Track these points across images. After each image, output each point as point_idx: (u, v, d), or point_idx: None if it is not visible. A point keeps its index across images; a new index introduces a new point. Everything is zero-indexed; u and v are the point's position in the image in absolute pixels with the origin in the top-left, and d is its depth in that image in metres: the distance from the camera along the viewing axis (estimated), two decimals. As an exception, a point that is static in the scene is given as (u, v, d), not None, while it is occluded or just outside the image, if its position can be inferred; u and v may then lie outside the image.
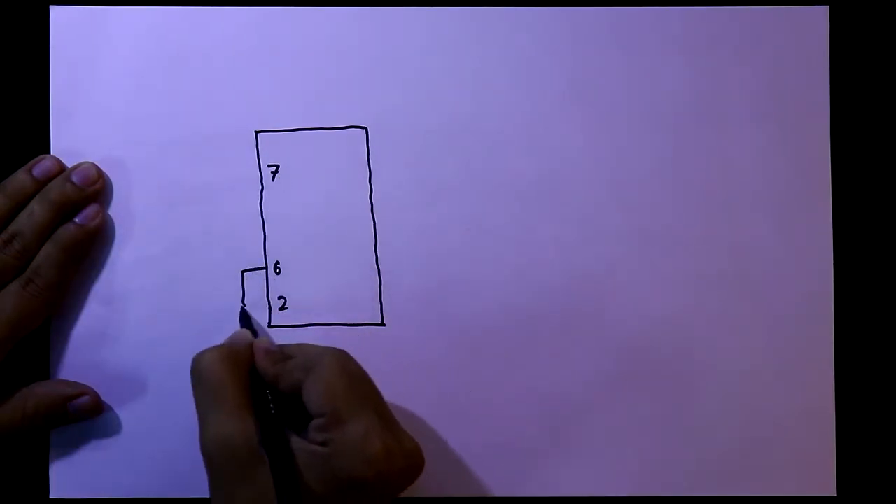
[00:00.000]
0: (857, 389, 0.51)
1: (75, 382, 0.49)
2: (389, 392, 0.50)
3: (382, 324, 0.51)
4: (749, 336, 0.51)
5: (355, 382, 0.44)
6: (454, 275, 0.51)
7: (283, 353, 0.46)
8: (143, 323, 0.50)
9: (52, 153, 0.50)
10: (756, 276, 0.51)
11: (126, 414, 0.50)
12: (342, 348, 0.45)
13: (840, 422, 0.51)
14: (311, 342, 0.47)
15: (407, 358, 0.51)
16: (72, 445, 0.50)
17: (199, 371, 0.44)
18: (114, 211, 0.50)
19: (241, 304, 0.50)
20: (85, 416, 0.49)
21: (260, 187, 0.51)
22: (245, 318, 0.50)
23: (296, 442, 0.42)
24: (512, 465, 0.51)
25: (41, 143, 0.50)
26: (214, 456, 0.42)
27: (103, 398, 0.50)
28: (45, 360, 0.50)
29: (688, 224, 0.51)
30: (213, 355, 0.44)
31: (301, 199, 0.51)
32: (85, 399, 0.49)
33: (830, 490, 0.51)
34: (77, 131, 0.50)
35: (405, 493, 0.44)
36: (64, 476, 0.50)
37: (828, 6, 0.51)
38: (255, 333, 0.48)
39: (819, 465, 0.51)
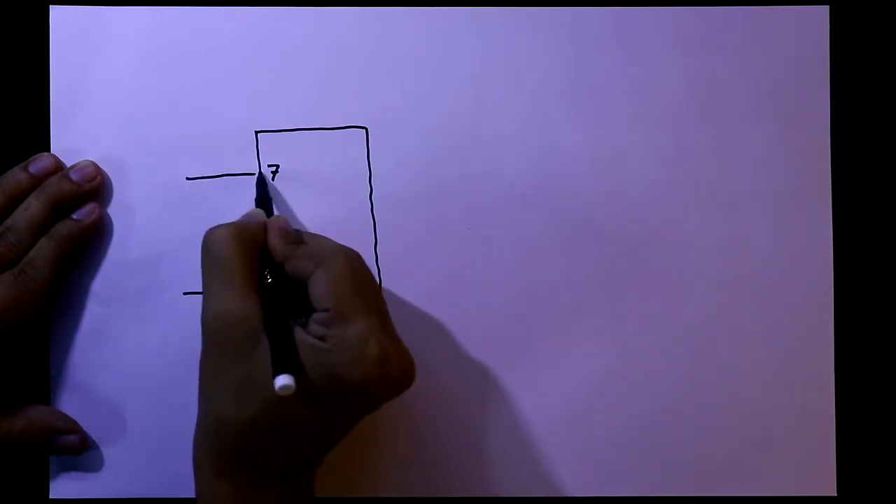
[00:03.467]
0: (857, 389, 0.51)
1: (68, 418, 0.50)
2: (389, 392, 0.50)
3: (382, 324, 0.51)
4: (749, 336, 0.51)
5: (363, 285, 0.43)
6: (454, 275, 0.51)
7: (298, 236, 0.45)
8: (143, 323, 0.50)
9: (51, 153, 0.50)
10: (756, 276, 0.51)
11: (126, 414, 0.50)
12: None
13: (840, 422, 0.51)
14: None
15: (407, 358, 0.51)
16: (72, 445, 0.50)
17: (209, 246, 0.43)
18: (113, 210, 0.50)
19: (258, 170, 0.50)
20: (67, 453, 0.49)
21: (260, 187, 0.51)
22: (262, 184, 0.49)
23: (296, 332, 0.42)
24: (512, 465, 0.51)
25: (41, 142, 0.50)
26: (213, 330, 0.42)
27: (103, 398, 0.50)
28: (46, 360, 0.50)
29: (688, 224, 0.51)
30: (225, 232, 0.43)
31: (301, 199, 0.51)
32: (73, 438, 0.49)
33: (830, 490, 0.51)
34: (77, 131, 0.50)
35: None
36: (64, 476, 0.50)
37: (828, 6, 0.51)
38: (269, 210, 0.48)
39: (819, 465, 0.51)
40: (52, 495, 0.50)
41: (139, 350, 0.50)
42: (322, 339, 0.41)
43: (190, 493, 0.49)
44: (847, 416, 0.51)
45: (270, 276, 0.43)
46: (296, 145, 0.51)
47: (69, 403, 0.50)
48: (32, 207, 0.48)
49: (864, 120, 0.52)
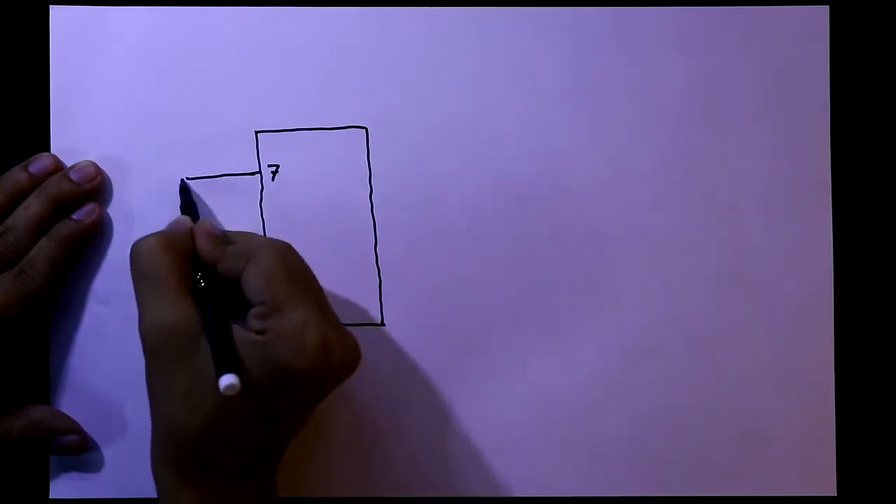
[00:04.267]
0: (857, 389, 0.51)
1: (68, 418, 0.50)
2: (390, 392, 0.50)
3: (382, 324, 0.51)
4: (749, 336, 0.51)
5: (296, 273, 0.43)
6: (454, 275, 0.51)
7: (225, 237, 0.45)
8: (143, 323, 0.50)
9: (51, 153, 0.50)
10: (756, 276, 0.51)
11: (126, 414, 0.50)
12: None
13: (840, 422, 0.51)
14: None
15: (407, 358, 0.51)
16: (72, 445, 0.50)
17: (138, 258, 0.43)
18: (113, 211, 0.50)
19: (182, 178, 0.50)
20: (67, 453, 0.49)
21: (260, 187, 0.51)
22: (185, 192, 0.49)
23: (235, 330, 0.42)
24: (512, 465, 0.51)
25: (41, 142, 0.50)
26: (153, 342, 0.42)
27: (103, 398, 0.50)
28: (46, 360, 0.50)
29: (688, 224, 0.51)
30: (153, 242, 0.43)
31: (301, 199, 0.51)
32: (72, 437, 0.49)
33: (830, 490, 0.51)
34: (77, 131, 0.50)
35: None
36: (64, 476, 0.50)
37: (828, 6, 0.51)
38: (195, 216, 0.48)
39: (819, 465, 0.51)
40: (52, 495, 0.50)
41: (139, 350, 0.50)
42: (261, 332, 0.41)
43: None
44: (847, 416, 0.51)
45: (203, 280, 0.43)
46: (296, 145, 0.51)
47: (69, 403, 0.50)
48: (32, 207, 0.48)
49: (864, 120, 0.52)
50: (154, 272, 0.43)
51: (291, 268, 0.43)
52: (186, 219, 0.46)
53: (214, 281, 0.44)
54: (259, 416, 0.42)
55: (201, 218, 0.48)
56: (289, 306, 0.41)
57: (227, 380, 0.40)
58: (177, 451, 0.43)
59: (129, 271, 0.50)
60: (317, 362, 0.41)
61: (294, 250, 0.44)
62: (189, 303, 0.42)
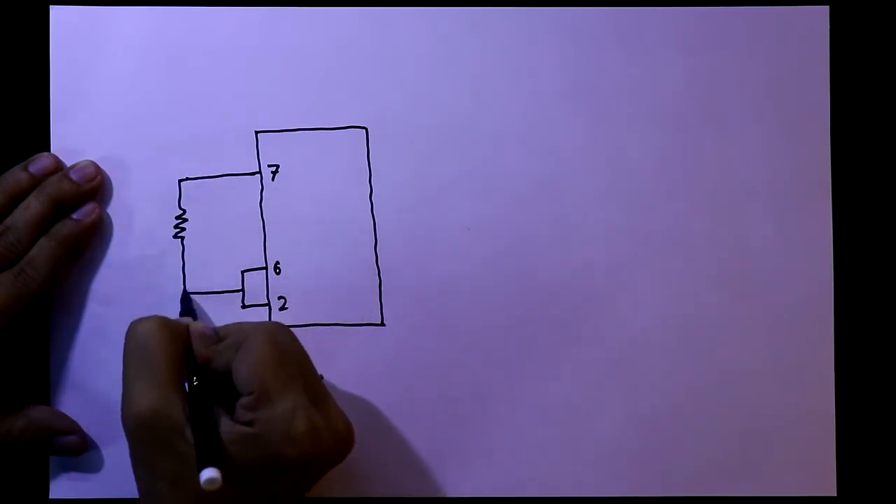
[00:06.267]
0: (857, 389, 0.51)
1: (68, 418, 0.49)
2: (389, 392, 0.50)
3: (382, 324, 0.51)
4: (749, 336, 0.51)
5: (285, 358, 0.43)
6: (454, 275, 0.51)
7: (217, 336, 0.45)
8: (143, 323, 0.50)
9: (51, 153, 0.50)
10: (756, 276, 0.51)
11: (126, 414, 0.50)
12: (283, 325, 0.45)
13: (840, 422, 0.51)
14: (311, 342, 0.47)
15: (407, 358, 0.51)
16: (72, 445, 0.50)
17: (135, 338, 0.43)
18: (113, 210, 0.50)
19: (183, 287, 0.50)
20: (67, 453, 0.49)
21: (260, 187, 0.51)
22: (186, 301, 0.50)
23: (224, 422, 0.41)
24: (512, 465, 0.51)
25: (41, 142, 0.50)
26: (136, 426, 0.42)
27: (103, 398, 0.50)
28: (46, 360, 0.50)
29: (688, 224, 0.51)
30: (152, 324, 0.44)
31: (301, 199, 0.51)
32: (72, 438, 0.49)
33: (830, 490, 0.51)
34: (77, 131, 0.50)
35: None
36: (64, 476, 0.50)
37: (828, 6, 0.51)
38: (195, 318, 0.48)
39: (819, 465, 0.51)
40: (52, 495, 0.50)
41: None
42: (250, 423, 0.41)
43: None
44: (847, 416, 0.51)
45: (197, 378, 0.44)
46: (296, 145, 0.51)
47: (69, 403, 0.50)
48: (32, 207, 0.48)
49: (864, 120, 0.52)
50: (149, 354, 0.43)
51: (280, 353, 0.43)
52: (188, 319, 0.47)
53: (208, 379, 0.44)
54: (247, 502, 0.42)
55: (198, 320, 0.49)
56: (277, 395, 0.41)
57: (208, 473, 0.39)
58: None
59: (129, 271, 0.50)
60: (305, 450, 0.41)
61: (284, 331, 0.44)
62: (177, 390, 0.42)
